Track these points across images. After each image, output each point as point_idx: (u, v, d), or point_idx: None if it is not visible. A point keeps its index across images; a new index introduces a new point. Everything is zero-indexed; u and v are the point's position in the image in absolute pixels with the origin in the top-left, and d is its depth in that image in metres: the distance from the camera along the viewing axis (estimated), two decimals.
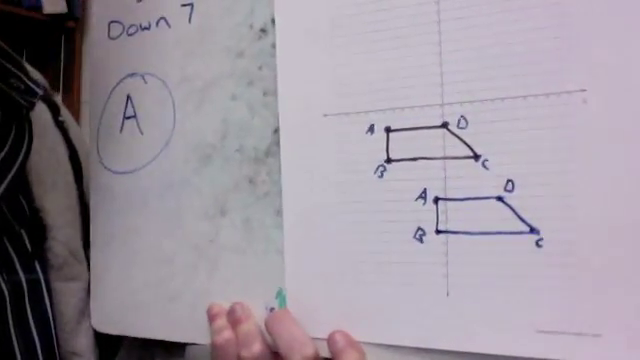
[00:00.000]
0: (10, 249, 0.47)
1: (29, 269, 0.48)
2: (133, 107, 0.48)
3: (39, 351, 0.47)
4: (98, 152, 0.50)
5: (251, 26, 0.44)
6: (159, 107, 0.47)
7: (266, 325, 0.41)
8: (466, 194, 0.38)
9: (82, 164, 0.56)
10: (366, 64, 0.40)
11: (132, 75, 0.49)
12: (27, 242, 0.48)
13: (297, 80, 0.42)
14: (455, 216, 0.38)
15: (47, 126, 0.53)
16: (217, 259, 0.45)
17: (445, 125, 0.38)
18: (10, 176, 0.46)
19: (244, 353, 0.41)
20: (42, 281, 0.48)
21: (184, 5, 0.46)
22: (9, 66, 0.47)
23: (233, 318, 0.43)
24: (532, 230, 0.36)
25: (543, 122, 0.36)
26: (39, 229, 0.49)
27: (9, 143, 0.47)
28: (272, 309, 0.43)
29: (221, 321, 0.44)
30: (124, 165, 0.49)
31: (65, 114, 0.57)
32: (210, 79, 0.45)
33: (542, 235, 0.36)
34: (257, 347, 0.41)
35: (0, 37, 0.46)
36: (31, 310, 0.47)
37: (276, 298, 0.43)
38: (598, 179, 0.34)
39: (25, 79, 0.48)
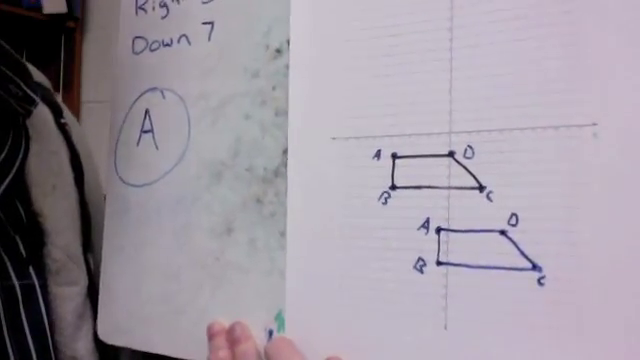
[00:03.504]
0: (3, 255, 0.47)
1: (23, 275, 0.48)
2: (150, 121, 0.49)
3: (34, 356, 0.47)
4: (115, 164, 0.51)
5: (267, 46, 0.44)
6: (175, 123, 0.48)
7: (266, 350, 0.41)
8: (469, 226, 0.37)
9: (84, 167, 0.56)
10: (376, 89, 0.40)
11: (152, 90, 0.49)
12: (21, 247, 0.48)
13: (307, 102, 0.42)
14: (457, 248, 0.37)
15: (48, 129, 0.53)
16: (221, 277, 0.45)
17: (452, 154, 0.37)
18: (7, 182, 0.47)
19: None
20: (37, 286, 0.48)
21: (205, 23, 0.47)
22: (9, 73, 0.48)
23: (232, 337, 0.43)
24: (534, 267, 0.35)
25: (551, 155, 0.35)
26: (37, 234, 0.50)
27: (6, 150, 0.47)
28: (271, 331, 0.42)
29: (220, 340, 0.43)
30: (139, 178, 0.49)
31: (68, 116, 0.57)
32: (226, 97, 0.46)
33: (544, 273, 0.34)
34: None
35: (0, 38, 0.47)
36: (25, 315, 0.47)
37: (275, 320, 0.42)
38: (605, 217, 0.33)
39: (23, 86, 0.49)
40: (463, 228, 0.37)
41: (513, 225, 0.35)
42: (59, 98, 0.58)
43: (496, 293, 0.35)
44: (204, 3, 0.47)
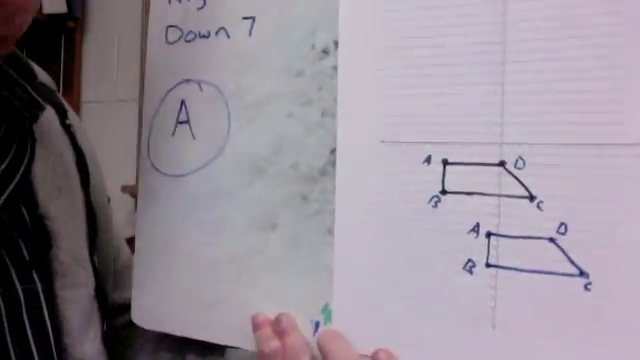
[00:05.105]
0: (7, 259, 0.47)
1: (26, 279, 0.48)
2: (187, 112, 0.49)
3: None
4: (148, 152, 0.51)
5: (313, 46, 0.45)
6: (214, 115, 0.48)
7: (319, 341, 0.43)
8: (518, 232, 0.39)
9: (89, 168, 0.56)
10: (428, 96, 0.41)
11: (188, 81, 0.49)
12: (25, 252, 0.48)
13: (357, 105, 0.43)
14: (506, 252, 0.39)
15: (54, 130, 0.53)
16: (263, 270, 0.46)
17: (502, 164, 0.39)
18: (11, 187, 0.46)
19: None
20: (40, 291, 0.48)
21: (246, 18, 0.47)
22: (14, 75, 0.47)
23: (279, 329, 0.45)
24: (582, 273, 0.37)
25: (599, 171, 0.37)
26: (43, 237, 0.50)
27: (11, 154, 0.47)
28: (317, 323, 0.44)
29: (267, 330, 0.45)
30: (174, 168, 0.50)
31: (72, 117, 0.57)
32: (266, 94, 0.46)
33: (591, 279, 0.37)
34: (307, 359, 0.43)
35: None
36: (28, 320, 0.47)
37: (322, 313, 0.44)
38: None
39: (30, 89, 0.48)
40: (512, 234, 0.39)
41: (562, 234, 0.38)
42: None
43: (544, 296, 0.38)
44: None
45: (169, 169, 0.50)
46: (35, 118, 0.49)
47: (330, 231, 0.44)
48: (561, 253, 0.38)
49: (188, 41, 0.49)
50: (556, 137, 0.38)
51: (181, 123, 0.50)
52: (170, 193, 0.50)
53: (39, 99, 0.49)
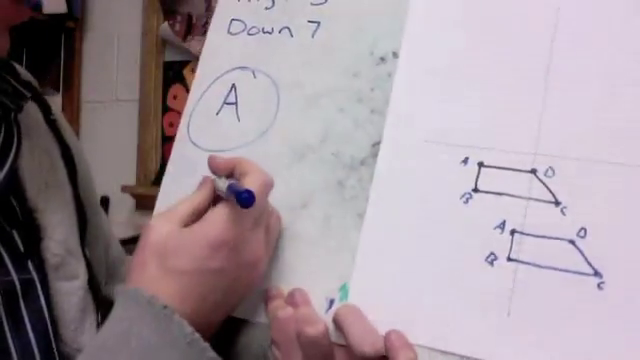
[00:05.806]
0: (2, 250, 0.48)
1: (22, 269, 0.49)
2: (236, 95, 0.53)
3: (35, 350, 0.47)
4: (188, 128, 0.53)
5: (372, 53, 0.50)
6: (263, 101, 0.52)
7: (337, 314, 0.44)
8: (541, 232, 0.43)
9: (76, 161, 0.57)
10: (472, 104, 0.46)
11: (243, 68, 0.53)
12: (19, 243, 0.49)
13: (407, 106, 0.48)
14: (528, 249, 0.43)
15: (39, 125, 0.55)
16: (285, 247, 0.48)
17: (534, 171, 0.44)
18: (0, 178, 0.48)
19: (309, 330, 0.43)
20: (36, 281, 0.49)
21: (311, 22, 0.52)
22: None
23: (292, 301, 0.46)
24: (596, 273, 0.41)
25: (626, 188, 0.42)
26: (34, 229, 0.50)
27: None
28: (332, 300, 0.46)
29: (280, 301, 0.46)
30: (213, 144, 0.52)
31: (57, 113, 0.59)
32: (322, 89, 0.50)
33: (604, 279, 0.41)
34: (322, 327, 0.44)
35: None
36: (26, 309, 0.48)
37: (339, 291, 0.46)
38: None
39: (13, 82, 0.50)
40: (536, 233, 0.43)
41: (582, 237, 0.42)
42: (59, 98, 0.60)
43: (559, 291, 0.42)
44: (313, 5, 0.52)
45: (209, 145, 0.52)
46: (20, 108, 0.51)
47: (360, 216, 0.47)
48: (579, 254, 0.42)
49: (251, 34, 0.54)
50: (587, 153, 0.43)
51: (228, 104, 0.53)
52: (205, 166, 0.52)
53: (22, 90, 0.51)
